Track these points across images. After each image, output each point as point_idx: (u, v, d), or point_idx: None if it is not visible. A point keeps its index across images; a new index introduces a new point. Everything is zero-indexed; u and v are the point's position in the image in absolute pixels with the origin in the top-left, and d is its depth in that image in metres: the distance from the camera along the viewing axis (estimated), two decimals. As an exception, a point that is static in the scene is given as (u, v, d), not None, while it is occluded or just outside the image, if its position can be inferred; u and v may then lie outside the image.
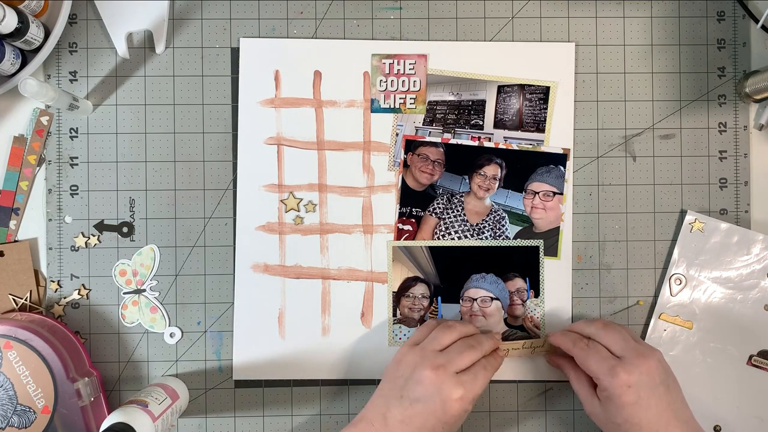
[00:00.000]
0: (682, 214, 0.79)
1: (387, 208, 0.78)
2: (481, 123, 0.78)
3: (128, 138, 0.78)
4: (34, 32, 0.72)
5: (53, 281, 0.77)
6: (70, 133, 0.77)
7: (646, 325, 0.78)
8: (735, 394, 0.77)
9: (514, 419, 0.78)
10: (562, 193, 0.78)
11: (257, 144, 0.78)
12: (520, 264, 0.78)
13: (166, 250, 0.78)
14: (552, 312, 0.78)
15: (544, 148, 0.78)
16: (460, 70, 0.78)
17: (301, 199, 0.78)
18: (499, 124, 0.78)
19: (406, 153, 0.78)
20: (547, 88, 0.78)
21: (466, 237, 0.78)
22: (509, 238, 0.78)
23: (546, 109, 0.78)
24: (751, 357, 0.77)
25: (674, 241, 0.79)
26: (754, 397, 0.77)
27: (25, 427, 0.70)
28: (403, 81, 0.78)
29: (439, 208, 0.78)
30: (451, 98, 0.78)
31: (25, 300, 0.76)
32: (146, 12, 0.77)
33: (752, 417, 0.77)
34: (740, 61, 0.79)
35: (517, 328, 0.78)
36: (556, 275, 0.78)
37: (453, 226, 0.78)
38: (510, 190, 0.78)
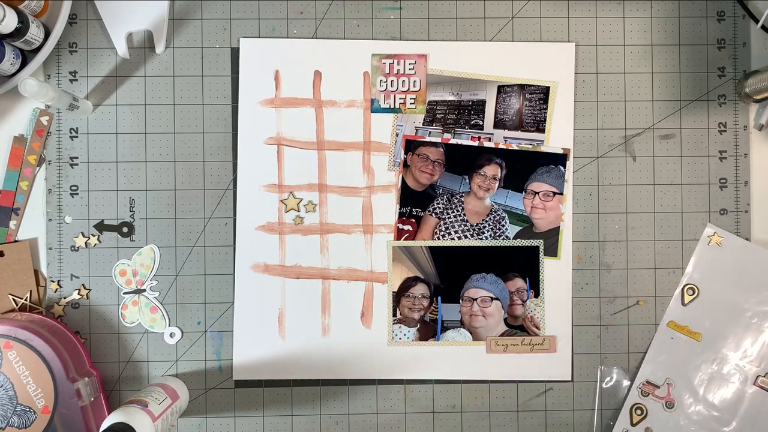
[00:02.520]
0: (683, 214, 0.79)
1: (387, 208, 0.78)
2: (481, 123, 0.78)
3: (128, 138, 0.78)
4: (34, 32, 0.72)
5: (53, 281, 0.77)
6: (70, 133, 0.77)
7: (646, 325, 0.78)
8: (739, 413, 0.76)
9: (514, 419, 0.78)
10: (562, 193, 0.78)
11: (257, 144, 0.78)
12: (520, 264, 0.78)
13: (166, 250, 0.78)
14: (552, 312, 0.78)
15: (544, 148, 0.78)
16: (460, 70, 0.78)
17: (301, 199, 0.78)
18: (499, 124, 0.78)
19: (406, 153, 0.78)
20: (547, 88, 0.78)
21: (466, 237, 0.78)
22: (509, 238, 0.78)
23: (546, 109, 0.78)
24: (758, 378, 0.77)
25: (674, 241, 0.79)
26: (758, 418, 0.76)
27: (25, 427, 0.70)
28: (403, 81, 0.78)
29: (439, 208, 0.78)
30: (451, 98, 0.78)
31: (25, 300, 0.76)
32: (146, 12, 0.77)
33: None
34: (740, 61, 0.79)
35: (517, 328, 0.78)
36: (556, 275, 0.78)
37: (453, 226, 0.78)
38: (510, 190, 0.78)
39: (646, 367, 0.78)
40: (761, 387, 0.76)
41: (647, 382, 0.77)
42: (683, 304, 0.78)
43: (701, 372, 0.77)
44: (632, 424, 0.77)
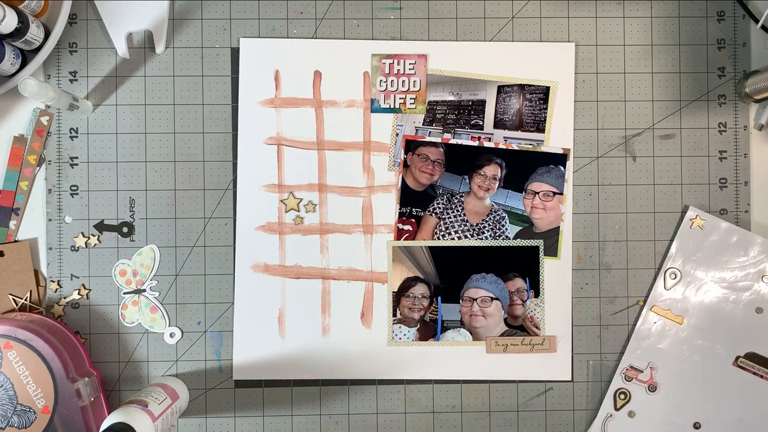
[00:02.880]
0: (683, 214, 0.79)
1: (387, 208, 0.78)
2: (481, 123, 0.78)
3: (128, 138, 0.78)
4: (34, 32, 0.72)
5: (53, 281, 0.77)
6: (70, 133, 0.77)
7: (646, 325, 0.79)
8: (718, 393, 0.77)
9: (514, 419, 0.78)
10: (562, 193, 0.78)
11: (257, 144, 0.78)
12: (520, 264, 0.78)
13: (166, 250, 0.78)
14: (552, 312, 0.78)
15: (544, 148, 0.78)
16: (460, 70, 0.78)
17: (301, 199, 0.78)
18: (499, 124, 0.78)
19: (406, 153, 0.78)
20: (547, 88, 0.78)
21: (466, 237, 0.78)
22: (509, 238, 0.78)
23: (546, 109, 0.78)
24: (737, 358, 0.77)
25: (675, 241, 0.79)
26: (737, 397, 0.77)
27: (25, 427, 0.70)
28: (403, 81, 0.78)
29: (439, 208, 0.78)
30: (451, 98, 0.78)
31: (25, 300, 0.76)
32: (146, 12, 0.77)
33: (733, 417, 0.77)
34: (740, 61, 0.79)
35: (517, 328, 0.78)
36: (556, 275, 0.78)
37: (453, 226, 0.78)
38: (510, 190, 0.78)
39: (629, 352, 0.78)
40: (741, 367, 0.77)
41: (631, 366, 0.78)
42: (666, 288, 0.78)
43: (683, 354, 0.77)
44: (616, 409, 0.78)
